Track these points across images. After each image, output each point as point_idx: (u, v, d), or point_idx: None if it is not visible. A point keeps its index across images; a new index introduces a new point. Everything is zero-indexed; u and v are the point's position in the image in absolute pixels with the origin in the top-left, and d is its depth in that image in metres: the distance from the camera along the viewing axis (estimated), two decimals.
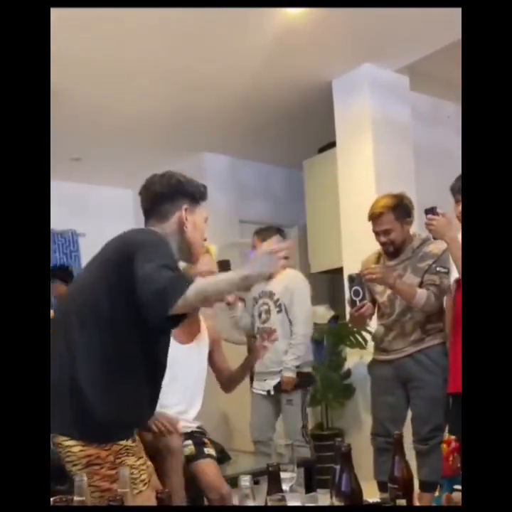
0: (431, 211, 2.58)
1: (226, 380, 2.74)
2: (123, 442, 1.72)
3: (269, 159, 5.59)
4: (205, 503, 2.52)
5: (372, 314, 3.04)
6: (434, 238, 2.62)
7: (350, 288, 2.79)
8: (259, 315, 3.66)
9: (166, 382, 2.23)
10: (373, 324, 3.13)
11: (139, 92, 4.03)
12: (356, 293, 2.78)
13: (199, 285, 1.63)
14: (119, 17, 3.11)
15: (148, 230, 1.88)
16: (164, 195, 1.92)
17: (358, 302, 2.78)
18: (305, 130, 4.82)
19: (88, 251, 5.72)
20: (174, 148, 5.17)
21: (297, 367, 3.47)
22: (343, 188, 4.10)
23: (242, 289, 1.83)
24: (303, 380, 3.51)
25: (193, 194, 1.94)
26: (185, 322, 2.44)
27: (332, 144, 4.35)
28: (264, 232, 3.68)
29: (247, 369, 2.75)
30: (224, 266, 3.68)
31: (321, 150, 4.83)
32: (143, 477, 1.74)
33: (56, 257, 5.65)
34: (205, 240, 1.99)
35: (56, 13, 2.98)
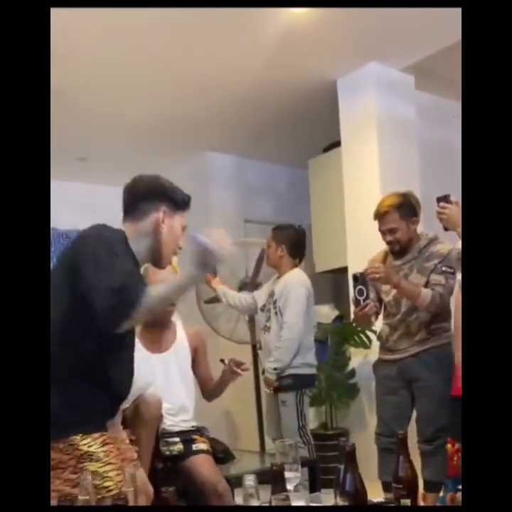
0: (443, 199, 2.47)
1: (207, 391, 2.78)
2: (85, 448, 1.68)
3: (273, 159, 5.58)
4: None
5: (379, 313, 3.04)
6: (446, 229, 2.53)
7: (355, 287, 2.79)
8: (265, 313, 3.66)
9: (143, 387, 2.38)
10: (379, 324, 3.13)
11: (144, 92, 4.04)
12: (360, 292, 2.77)
13: (156, 290, 1.71)
14: (123, 18, 3.11)
15: (106, 229, 1.92)
16: (145, 195, 1.93)
17: (361, 301, 2.78)
18: (310, 129, 4.81)
19: None
20: (179, 148, 5.18)
21: (275, 369, 3.43)
22: (348, 187, 4.10)
23: (193, 285, 1.91)
24: (298, 381, 3.47)
25: (175, 200, 1.94)
26: (151, 332, 2.57)
27: (337, 144, 4.35)
28: (280, 232, 3.70)
29: (222, 388, 2.75)
30: None
31: (326, 149, 4.82)
32: (106, 484, 1.66)
33: None
34: (180, 248, 1.97)
35: (63, 14, 2.99)
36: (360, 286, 2.77)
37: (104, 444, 1.71)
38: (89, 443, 1.68)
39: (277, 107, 4.41)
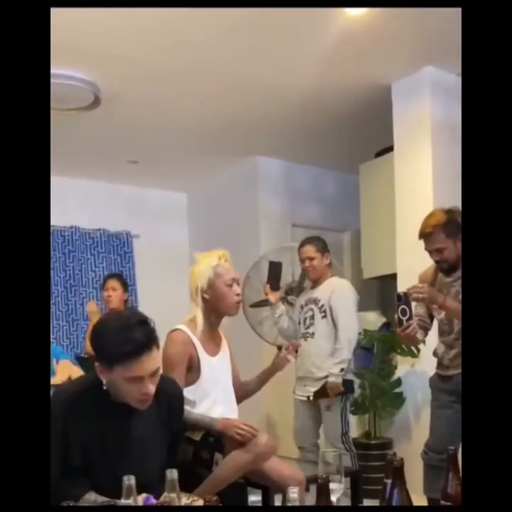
0: None
1: (237, 390, 2.67)
2: None
3: (323, 163, 5.54)
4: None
5: (428, 329, 2.97)
6: None
7: (398, 307, 2.71)
8: (304, 321, 3.74)
9: (208, 392, 2.45)
10: (433, 339, 3.05)
11: (196, 96, 4.06)
12: (403, 312, 2.69)
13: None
14: (176, 22, 3.13)
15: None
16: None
17: (404, 322, 2.69)
18: (362, 134, 4.76)
19: (142, 252, 5.83)
20: (229, 152, 5.19)
21: (342, 370, 3.51)
22: (399, 193, 4.03)
23: None
24: (343, 387, 3.54)
25: (105, 356, 1.78)
26: (210, 333, 2.54)
27: (389, 149, 4.29)
28: (319, 242, 3.77)
29: (265, 381, 2.70)
30: (275, 268, 3.73)
31: (378, 154, 4.76)
32: None
33: (111, 258, 5.74)
34: (144, 393, 1.78)
35: (121, 18, 3.03)
36: (403, 306, 2.69)
37: None
38: None
39: (329, 111, 4.38)
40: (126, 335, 1.74)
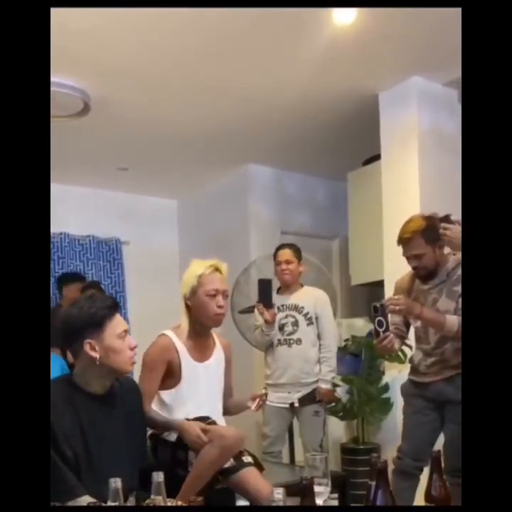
0: (445, 219, 2.52)
1: (226, 402, 2.66)
2: None
3: (313, 171, 5.58)
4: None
5: (404, 338, 2.99)
6: (452, 249, 2.55)
7: (374, 318, 2.72)
8: (281, 327, 3.74)
9: (188, 397, 2.44)
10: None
11: (186, 102, 4.08)
12: (380, 324, 2.70)
13: None
14: (166, 29, 3.16)
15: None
16: (66, 338, 1.92)
17: (381, 333, 2.71)
18: (350, 142, 4.80)
19: (132, 259, 5.83)
20: (219, 160, 5.22)
21: (333, 377, 3.66)
22: (387, 201, 4.07)
23: None
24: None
25: (93, 322, 1.88)
26: (197, 339, 2.53)
27: (377, 157, 4.33)
28: (297, 250, 3.84)
29: (236, 411, 2.70)
30: (265, 285, 3.64)
31: (366, 162, 4.81)
32: None
33: (100, 265, 5.73)
34: (132, 348, 1.95)
35: (111, 24, 3.06)
36: (380, 318, 2.69)
37: None
38: None
39: (318, 119, 4.41)
40: (99, 298, 1.94)
